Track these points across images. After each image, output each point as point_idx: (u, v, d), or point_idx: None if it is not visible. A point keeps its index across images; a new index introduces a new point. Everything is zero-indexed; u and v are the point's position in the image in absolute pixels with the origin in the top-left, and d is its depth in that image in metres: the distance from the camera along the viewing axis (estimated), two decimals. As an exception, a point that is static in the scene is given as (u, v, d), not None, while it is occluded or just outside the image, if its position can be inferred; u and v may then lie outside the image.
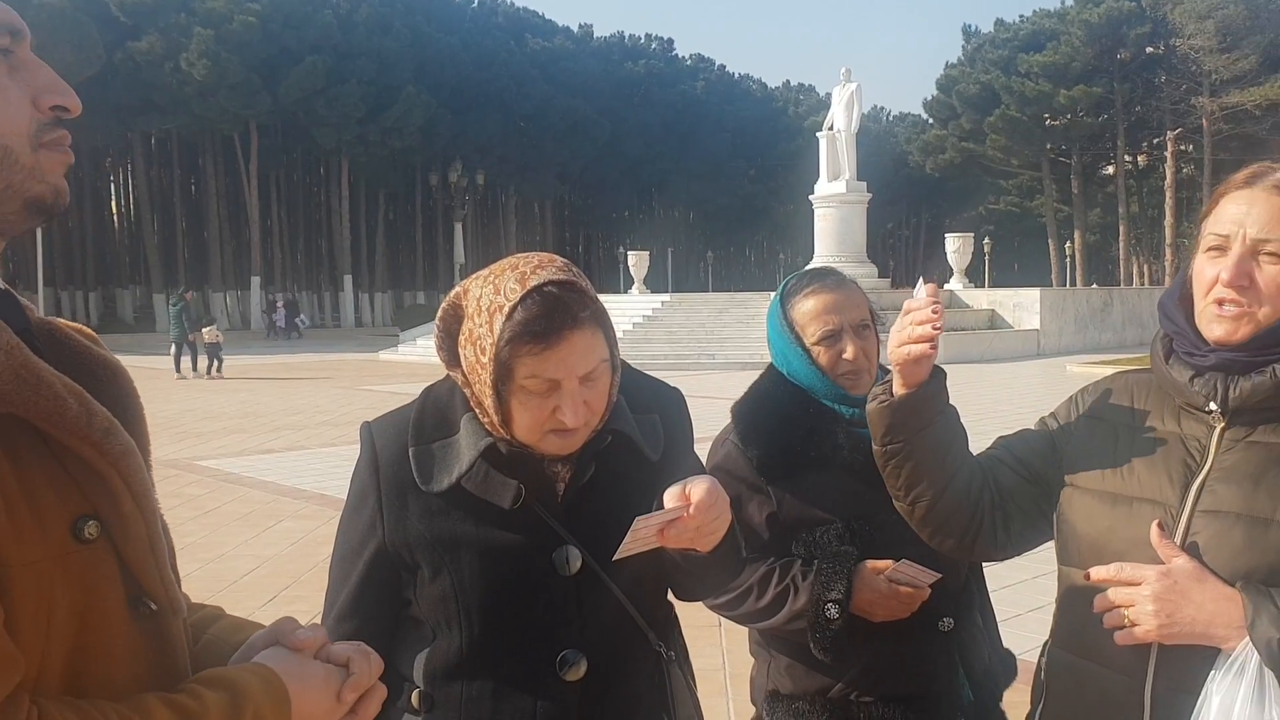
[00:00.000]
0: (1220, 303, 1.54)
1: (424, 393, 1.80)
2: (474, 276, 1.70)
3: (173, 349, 25.29)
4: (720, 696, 4.84)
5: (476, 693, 1.69)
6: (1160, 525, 1.52)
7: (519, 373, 1.57)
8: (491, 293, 1.61)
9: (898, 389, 1.72)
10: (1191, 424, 1.61)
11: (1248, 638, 1.40)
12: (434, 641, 1.72)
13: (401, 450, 1.71)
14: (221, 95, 44.13)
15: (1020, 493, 1.78)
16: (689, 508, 1.52)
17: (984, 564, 2.42)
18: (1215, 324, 1.55)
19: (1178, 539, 1.52)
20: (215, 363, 25.04)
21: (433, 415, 1.74)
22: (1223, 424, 1.57)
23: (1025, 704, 1.84)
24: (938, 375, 1.72)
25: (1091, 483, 1.67)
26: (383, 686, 1.28)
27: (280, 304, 48.87)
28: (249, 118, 47.18)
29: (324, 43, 46.77)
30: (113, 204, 57.61)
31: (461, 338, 1.66)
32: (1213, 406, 1.56)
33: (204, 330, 25.45)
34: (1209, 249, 1.57)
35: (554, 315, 1.56)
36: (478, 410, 1.67)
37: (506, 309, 1.57)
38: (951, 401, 1.80)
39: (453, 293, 1.71)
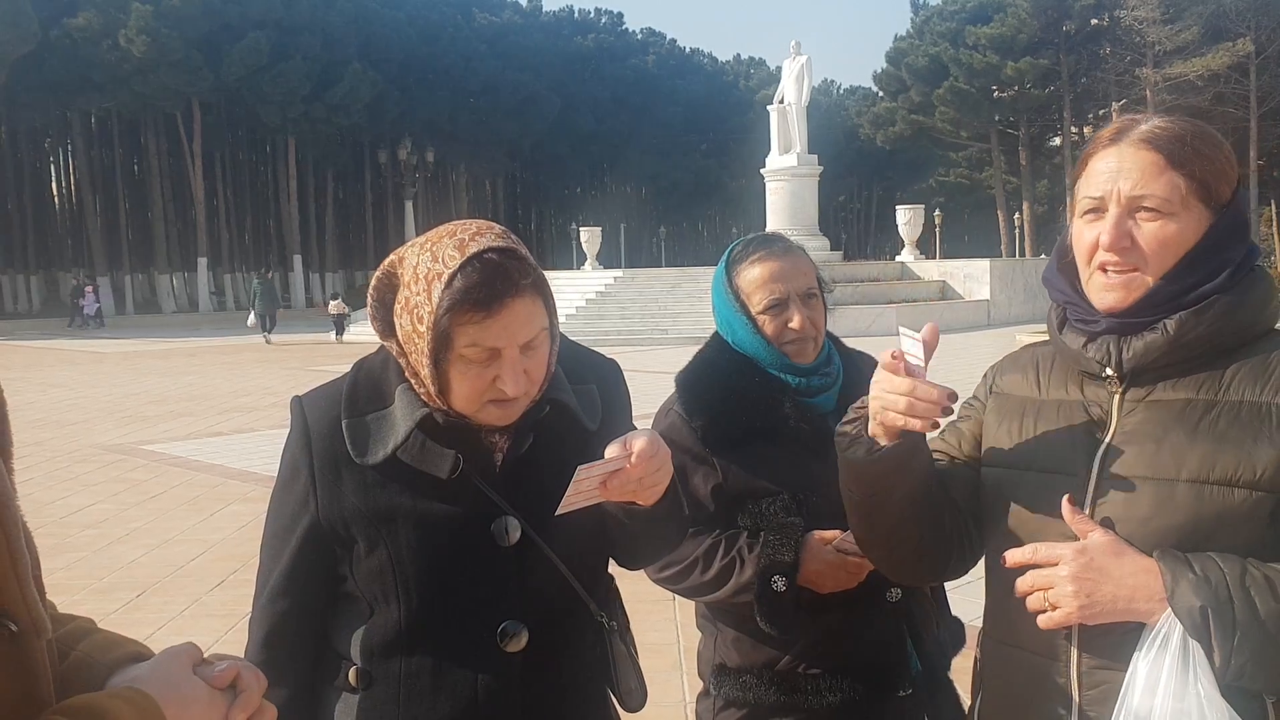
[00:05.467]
0: (1104, 269, 1.49)
1: (356, 365, 1.76)
2: (409, 244, 1.66)
3: (251, 318, 30.50)
4: (675, 671, 4.85)
5: (416, 667, 1.66)
6: (1070, 499, 1.45)
7: (459, 341, 1.53)
8: (429, 260, 1.56)
9: (875, 433, 1.55)
10: (1093, 390, 1.55)
11: (1169, 609, 1.34)
12: (371, 617, 1.68)
13: (334, 423, 1.67)
14: (162, 72, 42.99)
15: (977, 497, 1.66)
16: (631, 458, 1.50)
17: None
18: (1106, 293, 1.49)
19: (1087, 509, 1.46)
20: (340, 331, 29.52)
21: (366, 387, 1.70)
22: (1121, 387, 1.52)
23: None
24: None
25: (1003, 460, 1.60)
26: (272, 707, 1.20)
27: (90, 289, 42.64)
28: (191, 95, 46.01)
29: (266, 18, 45.69)
30: (53, 185, 56.23)
31: (397, 306, 1.62)
32: (1109, 371, 1.51)
33: (331, 303, 31.39)
34: (1085, 213, 1.51)
35: (495, 283, 1.52)
36: (413, 381, 1.64)
37: (446, 276, 1.53)
38: None
39: (387, 260, 1.66)
